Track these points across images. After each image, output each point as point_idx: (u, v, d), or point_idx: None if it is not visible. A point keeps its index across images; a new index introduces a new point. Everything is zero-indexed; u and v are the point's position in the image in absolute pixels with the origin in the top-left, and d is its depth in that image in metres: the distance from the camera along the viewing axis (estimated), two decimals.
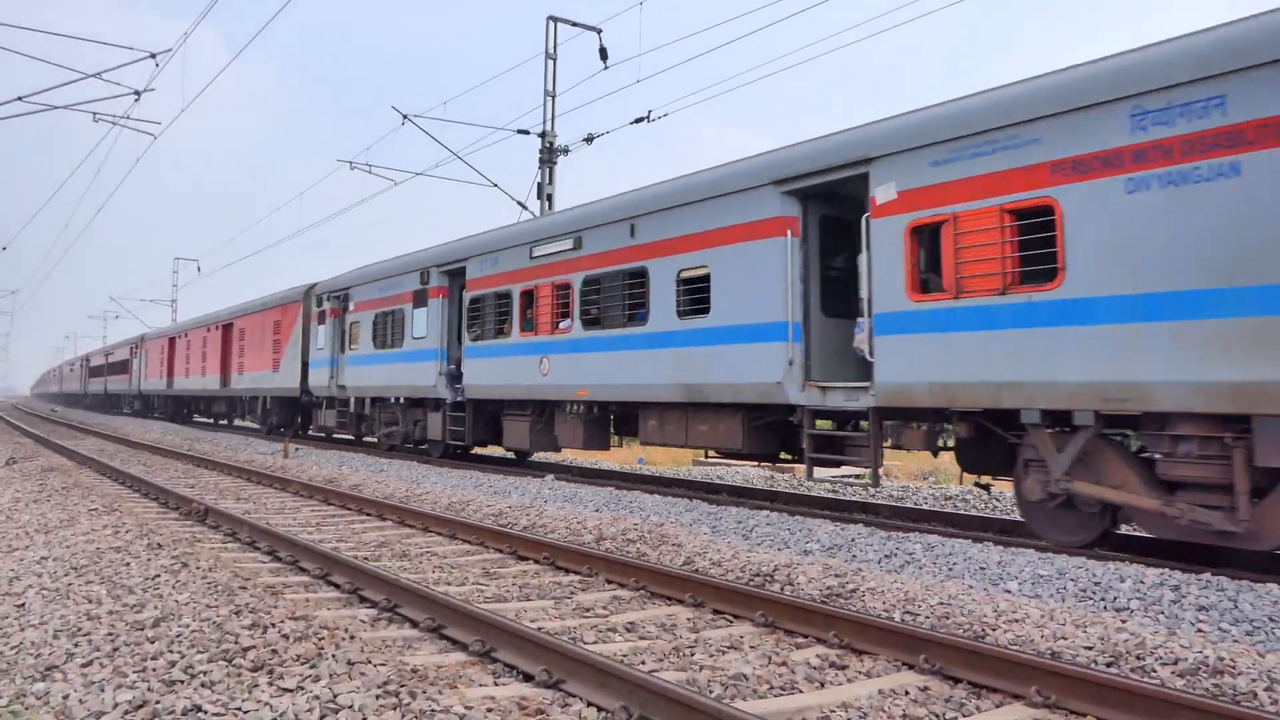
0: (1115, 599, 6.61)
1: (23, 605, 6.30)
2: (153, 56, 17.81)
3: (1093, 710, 4.31)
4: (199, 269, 56.20)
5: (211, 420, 38.25)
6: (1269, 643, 5.68)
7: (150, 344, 39.58)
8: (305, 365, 24.07)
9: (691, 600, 6.50)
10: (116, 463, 17.44)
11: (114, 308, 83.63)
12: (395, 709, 3.96)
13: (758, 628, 5.92)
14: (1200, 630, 5.92)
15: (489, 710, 4.10)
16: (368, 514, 11.16)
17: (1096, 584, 6.89)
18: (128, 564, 7.31)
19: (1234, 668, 4.81)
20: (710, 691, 4.57)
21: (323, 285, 23.29)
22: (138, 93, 18.61)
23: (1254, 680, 4.65)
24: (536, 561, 8.09)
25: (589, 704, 4.29)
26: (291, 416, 27.01)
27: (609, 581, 7.28)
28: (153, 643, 5.02)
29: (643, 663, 5.08)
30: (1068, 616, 5.83)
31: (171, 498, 11.73)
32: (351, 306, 21.45)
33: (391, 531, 9.86)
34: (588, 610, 6.39)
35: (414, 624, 5.77)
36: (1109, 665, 5.06)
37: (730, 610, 6.26)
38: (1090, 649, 5.26)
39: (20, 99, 18.70)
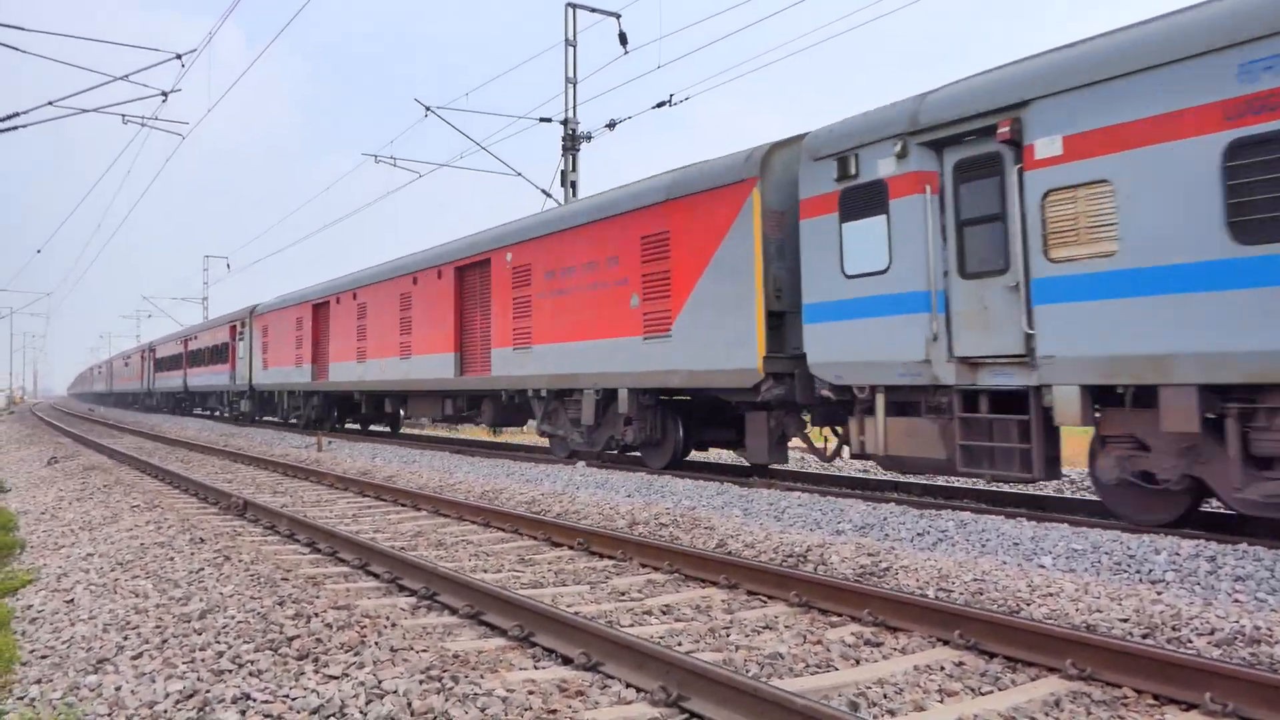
0: (1150, 571, 6.59)
1: (71, 601, 6.47)
2: (178, 57, 18.00)
3: (1129, 681, 4.32)
4: (229, 266, 56.87)
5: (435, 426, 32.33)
6: None
7: (270, 318, 30.82)
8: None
9: (725, 582, 6.56)
10: (155, 460, 17.74)
11: (147, 307, 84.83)
12: (439, 693, 4.05)
13: (792, 607, 5.97)
14: (1237, 600, 5.90)
15: (530, 693, 4.18)
16: (403, 504, 11.30)
17: (1131, 557, 6.87)
18: (171, 558, 7.48)
19: (1271, 636, 4.80)
20: (747, 670, 4.63)
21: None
22: (165, 94, 18.82)
23: None
24: (570, 547, 8.17)
25: (628, 685, 4.36)
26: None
27: (643, 565, 7.35)
28: (200, 634, 5.15)
29: (679, 644, 5.14)
30: (1102, 590, 5.83)
31: (210, 493, 11.94)
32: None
33: (426, 521, 9.98)
34: (623, 594, 6.46)
35: (453, 611, 5.87)
36: (1144, 637, 5.06)
37: (764, 591, 6.31)
38: (1125, 621, 5.26)
39: (50, 103, 18.97)
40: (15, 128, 19.08)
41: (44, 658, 5.20)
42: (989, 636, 4.95)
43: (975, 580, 6.22)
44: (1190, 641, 4.90)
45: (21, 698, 4.54)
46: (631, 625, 5.60)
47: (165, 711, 4.05)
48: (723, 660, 4.78)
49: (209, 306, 61.07)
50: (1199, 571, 6.45)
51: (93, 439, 25.26)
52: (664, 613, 5.94)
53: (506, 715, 3.90)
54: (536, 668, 4.73)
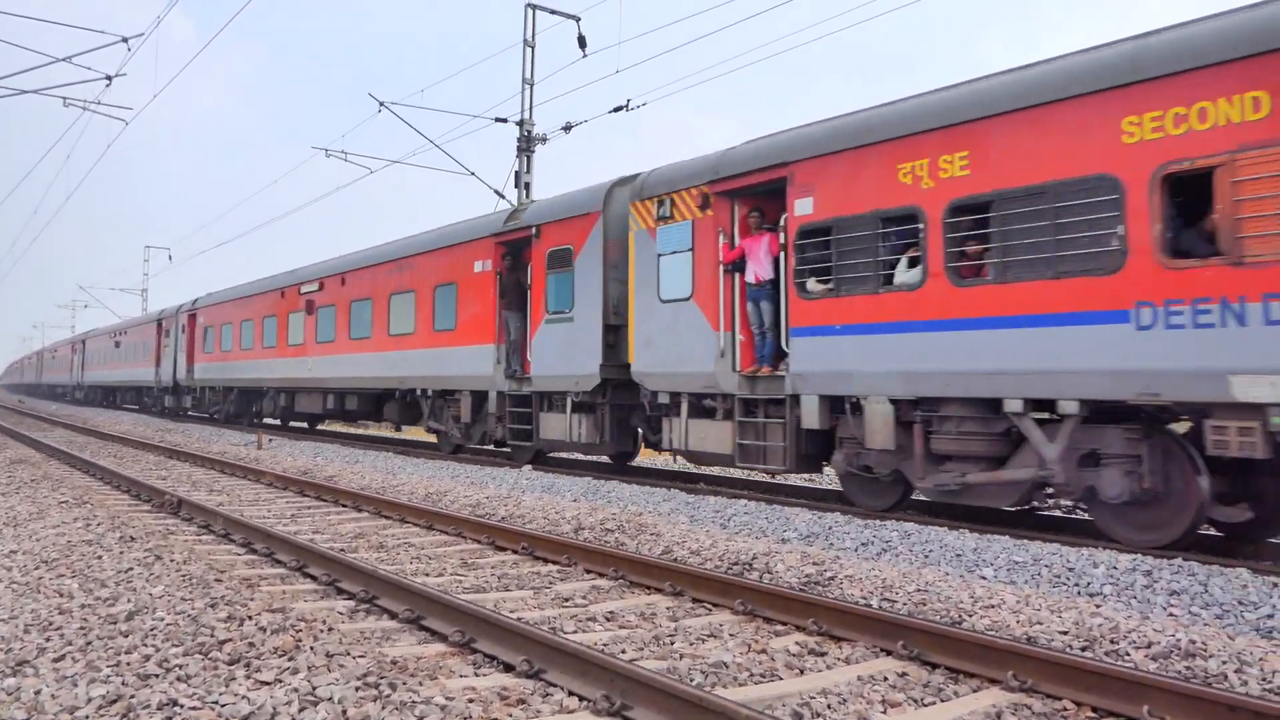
0: (1089, 584, 6.69)
1: None
2: (124, 40, 17.55)
3: (1068, 694, 4.35)
4: (170, 257, 56.01)
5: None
6: (1238, 626, 5.77)
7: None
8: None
9: (671, 589, 6.52)
10: (86, 455, 17.22)
11: (83, 296, 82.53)
12: (376, 700, 3.94)
13: (737, 616, 5.94)
14: (1172, 614, 6.00)
15: (470, 700, 4.08)
16: (344, 505, 11.09)
17: (1070, 569, 6.97)
18: (100, 557, 7.23)
19: (1205, 650, 4.88)
20: (691, 679, 4.58)
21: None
22: (109, 77, 18.32)
23: (1224, 662, 4.72)
24: (515, 551, 8.07)
25: (570, 693, 4.28)
26: None
27: (588, 571, 7.28)
28: (127, 636, 4.96)
29: (623, 651, 5.08)
30: (1043, 602, 5.89)
31: (144, 490, 11.60)
32: None
33: (368, 523, 9.80)
34: (567, 600, 6.39)
35: (393, 615, 5.74)
36: (1084, 649, 5.12)
37: (709, 598, 6.27)
38: (1065, 634, 5.32)
39: None
40: None
41: None
42: (932, 647, 4.96)
43: (919, 590, 6.25)
44: (1128, 654, 4.97)
45: None
46: (575, 632, 5.52)
47: (87, 717, 3.88)
48: (667, 669, 4.72)
49: (148, 298, 59.59)
50: (1135, 585, 6.56)
51: (21, 431, 24.47)
52: (608, 619, 5.88)
53: None
54: (477, 675, 4.63)
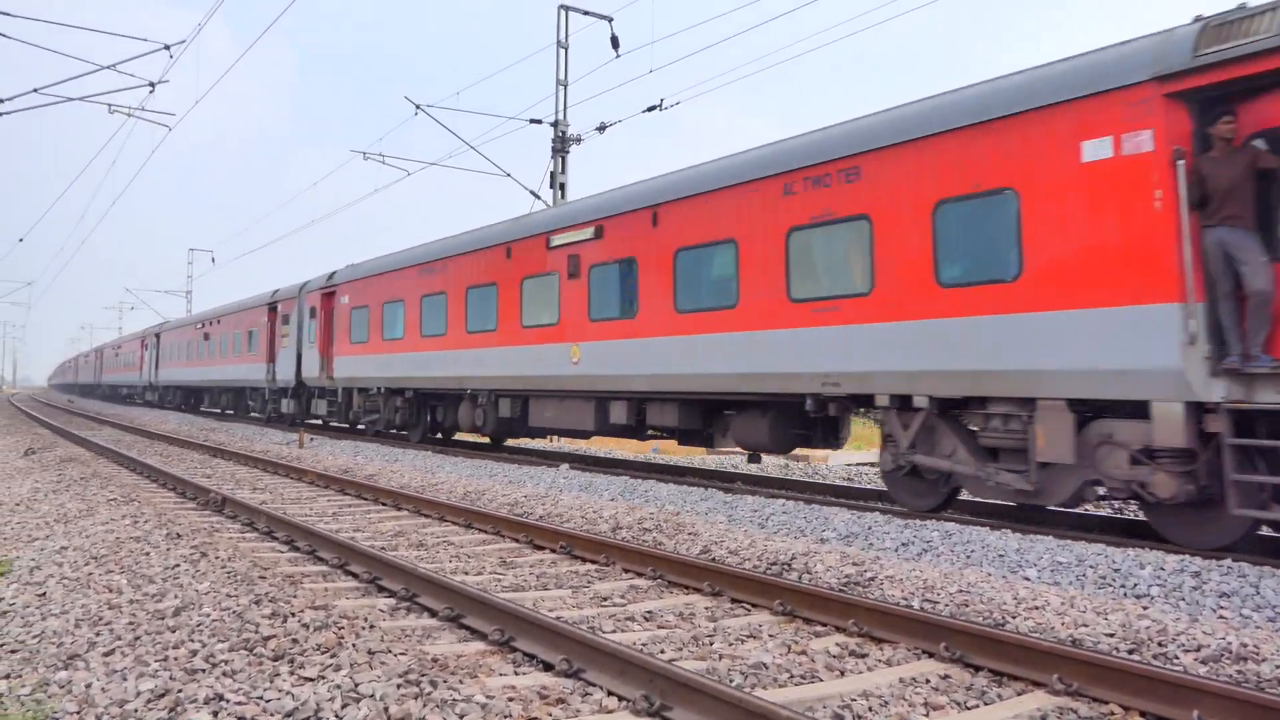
0: (1135, 585, 6.57)
1: (44, 595, 6.35)
2: (167, 48, 17.83)
3: (1115, 697, 4.28)
4: (213, 260, 56.49)
5: None
6: None
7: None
8: None
9: (709, 589, 6.50)
10: (134, 453, 17.55)
11: (130, 299, 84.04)
12: (416, 698, 3.97)
13: (776, 616, 5.91)
14: (1222, 616, 5.88)
15: (510, 699, 4.10)
16: (384, 504, 11.19)
17: (1116, 570, 6.86)
18: (147, 553, 7.35)
19: (1258, 654, 4.78)
20: (730, 680, 4.56)
21: None
22: (152, 84, 18.64)
23: (1278, 667, 4.62)
24: (553, 550, 8.09)
25: (609, 693, 4.29)
26: None
27: (626, 570, 7.28)
28: (174, 632, 5.04)
29: (662, 651, 5.07)
30: (1088, 604, 5.80)
31: (189, 488, 11.79)
32: None
33: (408, 521, 9.88)
34: (605, 599, 6.39)
35: (433, 613, 5.78)
36: (1130, 652, 5.03)
37: (748, 599, 6.25)
38: (1111, 636, 5.23)
39: (36, 90, 18.78)
40: None
41: (13, 652, 5.08)
42: (975, 649, 4.90)
43: (961, 591, 6.18)
44: (1177, 658, 4.87)
45: None
46: (614, 631, 5.53)
47: (136, 710, 3.95)
48: (706, 669, 4.71)
49: (193, 300, 60.51)
50: (1184, 587, 6.43)
51: (71, 430, 24.99)
52: (647, 619, 5.87)
53: None
54: (517, 673, 4.65)
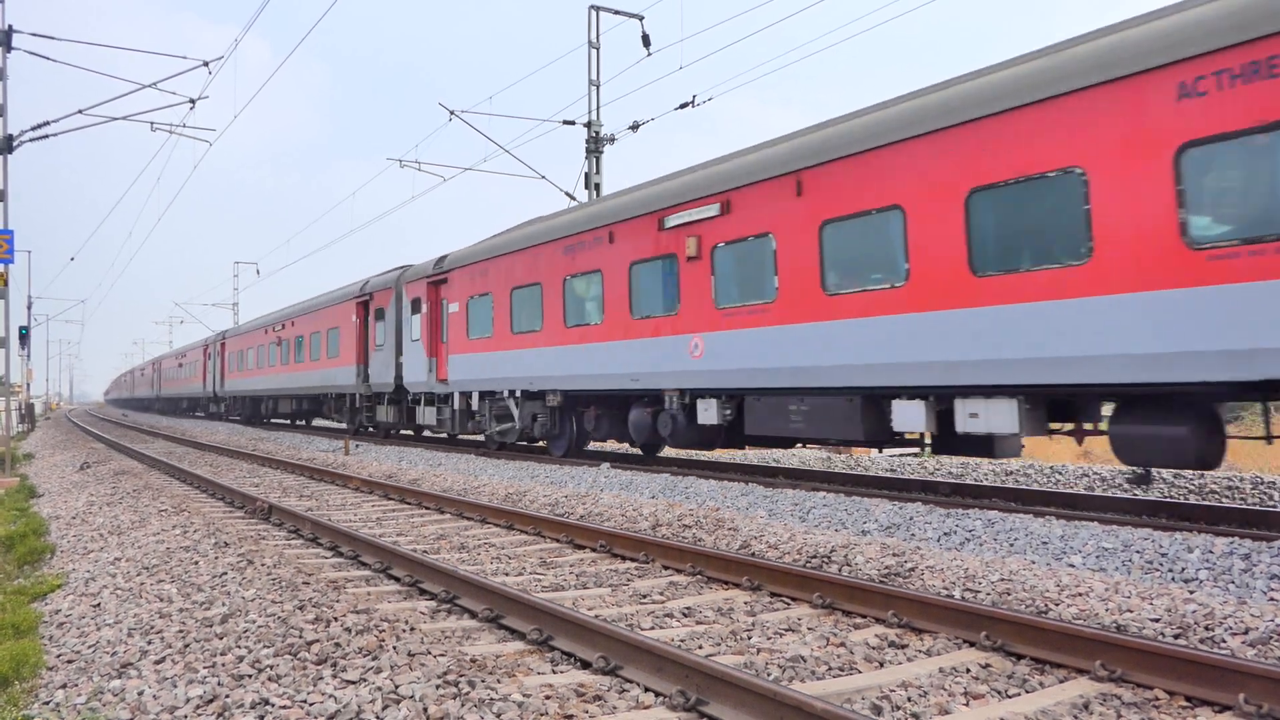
0: (1183, 570, 6.46)
1: (98, 605, 6.52)
2: (206, 64, 18.19)
3: (1160, 683, 4.22)
4: (258, 271, 57.36)
5: None
6: None
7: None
8: None
9: (748, 584, 6.50)
10: (184, 464, 17.91)
11: (178, 313, 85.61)
12: (455, 698, 4.02)
13: (815, 609, 5.90)
14: (1272, 599, 5.76)
15: (547, 697, 4.14)
16: (427, 508, 11.32)
17: (1163, 555, 6.74)
18: (196, 563, 7.52)
19: None
20: (768, 674, 4.57)
21: None
22: (193, 101, 19.01)
23: None
24: (593, 549, 8.14)
25: (646, 689, 4.31)
26: None
27: (665, 567, 7.30)
28: (221, 639, 5.16)
29: (700, 647, 5.09)
30: (1133, 589, 5.71)
31: (237, 497, 12.02)
32: None
33: (450, 524, 9.99)
34: (644, 596, 6.42)
35: (473, 614, 5.85)
36: (1176, 637, 4.95)
37: (787, 592, 6.24)
38: (1157, 621, 5.15)
39: (80, 112, 19.23)
40: (46, 136, 19.35)
41: (70, 662, 5.23)
42: (1016, 637, 4.85)
43: (1002, 580, 6.12)
44: (1224, 641, 4.79)
45: (47, 702, 4.58)
46: (652, 628, 5.55)
47: (185, 716, 4.05)
48: (744, 663, 4.72)
49: (239, 312, 61.52)
50: (1233, 570, 6.31)
51: (124, 444, 25.56)
52: (685, 615, 5.89)
53: None
54: (554, 672, 4.69)
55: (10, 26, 18.82)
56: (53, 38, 19.09)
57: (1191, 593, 5.69)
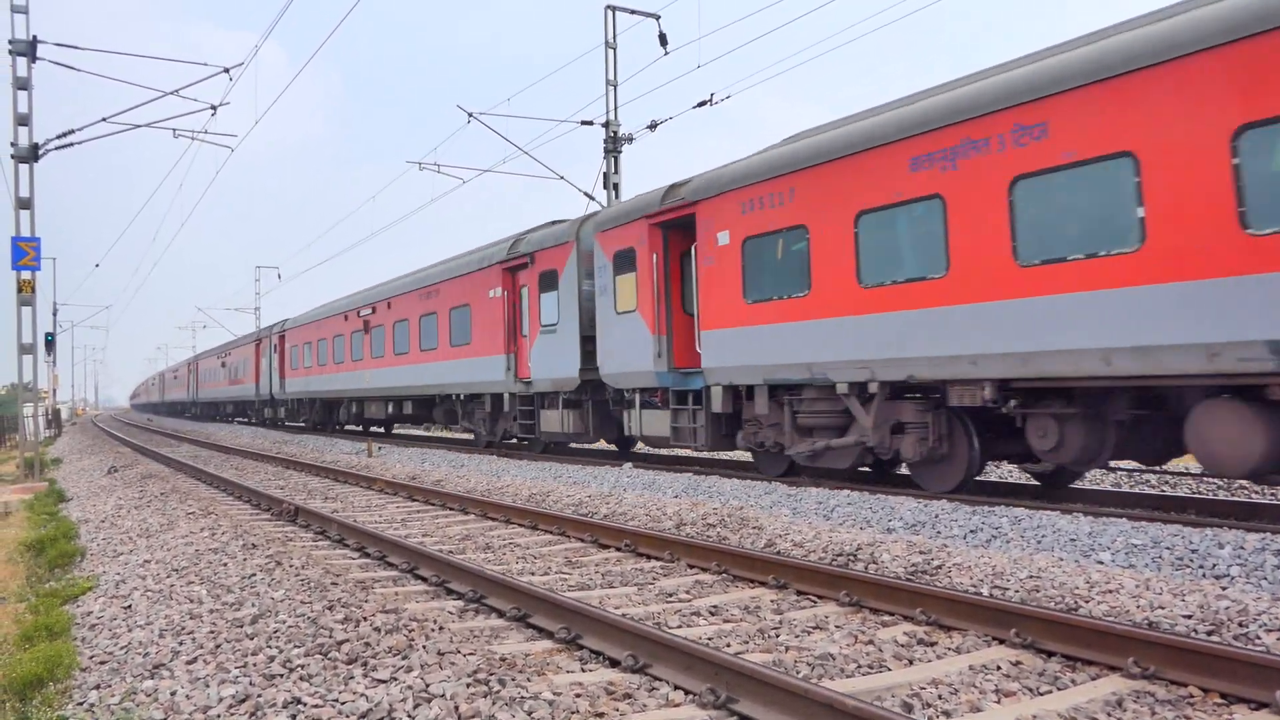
0: (1214, 566, 6.40)
1: (129, 607, 6.59)
2: (227, 71, 18.35)
3: (1193, 679, 4.18)
4: (279, 276, 57.76)
5: None
6: None
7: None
8: None
9: (774, 582, 6.48)
10: (210, 467, 18.07)
11: (201, 317, 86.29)
12: (486, 696, 4.04)
13: (842, 607, 5.88)
14: None
15: (577, 695, 4.15)
16: (451, 508, 11.36)
17: (1194, 551, 6.68)
18: (225, 564, 7.58)
19: None
20: (797, 671, 4.56)
21: None
22: (214, 107, 19.19)
23: None
24: (618, 549, 8.15)
25: (676, 687, 4.31)
26: None
27: (690, 566, 7.30)
28: (252, 639, 5.20)
29: (728, 645, 5.09)
30: (1164, 586, 5.66)
31: (263, 499, 12.12)
32: None
33: (475, 525, 10.02)
34: (670, 595, 6.42)
35: (500, 614, 5.87)
36: (1210, 634, 4.90)
37: (814, 591, 6.22)
38: (1189, 618, 5.10)
39: (104, 120, 19.45)
40: (70, 144, 19.58)
41: (102, 663, 5.29)
42: (1047, 635, 4.82)
43: (1031, 577, 6.08)
44: (1258, 638, 4.73)
45: (81, 703, 4.63)
46: (679, 626, 5.55)
47: (218, 716, 4.09)
48: (772, 661, 4.71)
49: (260, 316, 61.83)
50: (1265, 565, 6.24)
51: (151, 448, 25.81)
52: (712, 613, 5.89)
53: (553, 718, 3.87)
54: (584, 670, 4.70)
55: (35, 37, 19.07)
56: (76, 47, 19.32)
57: (1224, 589, 5.63)
